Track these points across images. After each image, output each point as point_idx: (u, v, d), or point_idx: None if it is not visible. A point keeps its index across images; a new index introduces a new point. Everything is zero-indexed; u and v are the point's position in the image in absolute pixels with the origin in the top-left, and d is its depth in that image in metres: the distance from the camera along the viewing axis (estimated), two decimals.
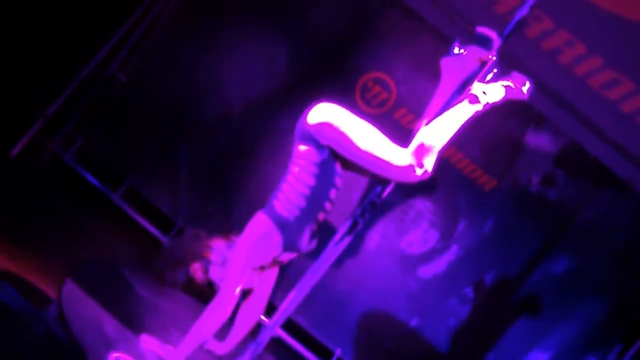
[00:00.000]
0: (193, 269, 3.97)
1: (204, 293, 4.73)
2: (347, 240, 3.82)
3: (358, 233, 3.90)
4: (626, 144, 5.53)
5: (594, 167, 5.66)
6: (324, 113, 3.82)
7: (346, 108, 3.88)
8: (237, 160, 5.96)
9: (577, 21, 5.30)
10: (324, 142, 3.79)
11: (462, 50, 3.76)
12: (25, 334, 3.60)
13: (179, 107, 6.01)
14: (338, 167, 3.87)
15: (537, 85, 4.15)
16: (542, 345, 5.73)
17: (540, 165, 5.72)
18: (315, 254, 3.97)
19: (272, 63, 5.92)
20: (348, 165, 3.87)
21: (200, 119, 5.99)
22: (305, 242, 3.94)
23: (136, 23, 6.10)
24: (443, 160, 3.76)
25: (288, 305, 3.80)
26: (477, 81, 3.77)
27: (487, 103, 3.82)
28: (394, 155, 3.73)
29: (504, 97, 3.87)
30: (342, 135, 3.76)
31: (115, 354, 3.60)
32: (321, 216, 3.92)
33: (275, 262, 4.05)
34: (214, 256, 3.98)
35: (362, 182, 5.64)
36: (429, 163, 3.73)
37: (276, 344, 5.65)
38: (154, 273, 4.10)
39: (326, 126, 3.77)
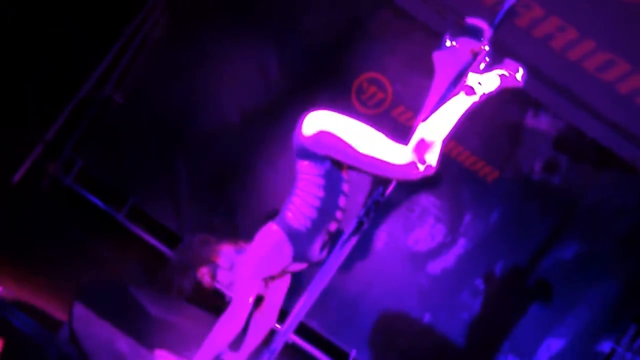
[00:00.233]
0: (201, 274, 3.98)
1: (210, 300, 4.74)
2: (354, 240, 3.81)
3: (365, 234, 3.89)
4: (626, 125, 5.53)
5: (595, 150, 5.66)
6: (317, 122, 3.79)
7: (343, 111, 3.86)
8: (237, 170, 5.96)
9: (567, 6, 5.30)
10: (322, 153, 3.78)
11: (453, 43, 3.74)
12: (38, 358, 3.60)
13: (176, 123, 6.02)
14: (344, 174, 3.86)
15: (533, 73, 4.15)
16: (557, 331, 5.72)
17: (541, 152, 5.72)
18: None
19: (266, 71, 5.93)
20: (351, 169, 3.86)
21: (198, 133, 6.00)
22: (316, 252, 3.93)
23: (127, 42, 6.11)
24: (443, 154, 3.74)
25: (299, 310, 3.79)
26: (471, 72, 3.75)
27: (483, 93, 3.81)
28: (394, 154, 3.70)
29: (499, 86, 3.86)
30: (339, 142, 3.73)
31: None
32: (333, 226, 3.91)
33: (284, 272, 4.04)
34: (222, 260, 3.98)
35: (366, 182, 5.64)
36: (431, 158, 3.71)
37: (292, 349, 5.65)
38: (161, 280, 4.09)
39: (322, 136, 3.74)
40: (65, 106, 6.04)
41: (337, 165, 3.82)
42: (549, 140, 5.72)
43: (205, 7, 6.04)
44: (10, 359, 3.41)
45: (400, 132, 3.85)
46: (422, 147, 3.67)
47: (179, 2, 6.05)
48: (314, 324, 5.78)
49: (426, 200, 5.80)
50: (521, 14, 5.34)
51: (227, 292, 3.99)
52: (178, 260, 4.06)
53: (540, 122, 5.70)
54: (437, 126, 3.71)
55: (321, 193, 3.82)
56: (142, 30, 6.09)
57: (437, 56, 3.80)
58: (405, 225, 5.81)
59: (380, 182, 3.86)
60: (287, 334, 3.84)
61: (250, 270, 3.86)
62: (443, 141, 3.74)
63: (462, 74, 3.73)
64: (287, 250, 3.86)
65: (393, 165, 3.69)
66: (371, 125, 3.82)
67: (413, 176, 3.72)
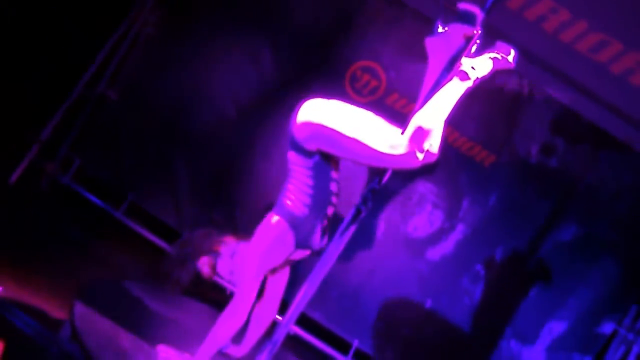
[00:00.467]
0: (201, 264, 3.98)
1: (210, 294, 4.74)
2: (353, 229, 3.80)
3: (363, 222, 3.88)
4: (621, 105, 5.52)
5: (591, 131, 5.66)
6: (312, 113, 3.77)
7: (337, 99, 3.85)
8: (235, 163, 5.96)
9: None
10: (313, 147, 3.77)
11: (445, 29, 3.73)
12: (40, 358, 3.61)
13: (172, 118, 6.01)
14: (333, 163, 3.86)
15: (526, 56, 4.13)
16: (558, 314, 5.72)
17: (537, 135, 5.72)
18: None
19: (260, 63, 5.92)
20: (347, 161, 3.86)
21: (194, 127, 5.99)
22: (317, 238, 3.94)
23: (120, 38, 6.10)
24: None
25: (300, 301, 3.79)
26: (465, 57, 3.74)
27: (477, 78, 3.80)
28: (393, 145, 3.65)
29: (492, 69, 3.85)
30: (334, 135, 3.70)
31: None
32: (330, 210, 3.92)
33: (287, 261, 4.05)
34: (223, 249, 3.99)
35: (363, 170, 5.64)
36: (430, 145, 3.69)
37: (294, 341, 5.66)
38: (160, 273, 4.10)
39: (315, 129, 3.73)
40: (60, 105, 6.02)
41: (326, 158, 3.82)
42: (544, 123, 5.71)
43: (197, 1, 6.03)
44: (12, 359, 3.41)
45: (396, 119, 3.84)
46: (420, 135, 3.63)
47: None
48: (315, 315, 5.78)
49: (424, 187, 5.80)
50: None
51: (229, 286, 3.99)
52: (177, 252, 4.06)
53: (536, 106, 5.70)
54: (433, 113, 3.68)
55: (311, 182, 3.83)
56: (134, 25, 6.08)
57: (429, 42, 3.79)
58: (403, 212, 5.81)
59: (377, 171, 3.86)
60: (289, 325, 3.84)
61: (255, 264, 3.87)
62: (440, 127, 3.73)
63: (455, 60, 3.71)
64: (290, 238, 3.87)
65: (391, 156, 3.66)
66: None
67: (413, 165, 3.69)
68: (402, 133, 3.66)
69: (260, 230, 3.91)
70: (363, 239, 5.75)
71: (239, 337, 4.14)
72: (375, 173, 3.80)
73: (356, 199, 3.77)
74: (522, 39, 5.08)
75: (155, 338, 4.03)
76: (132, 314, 4.33)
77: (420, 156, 3.64)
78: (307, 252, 4.01)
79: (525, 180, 5.74)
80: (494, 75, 3.91)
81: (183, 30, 6.02)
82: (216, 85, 5.98)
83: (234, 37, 5.98)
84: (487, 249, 5.77)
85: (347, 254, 5.56)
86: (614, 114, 5.54)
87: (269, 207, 3.99)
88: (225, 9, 5.98)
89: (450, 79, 3.75)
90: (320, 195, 3.85)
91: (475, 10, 3.71)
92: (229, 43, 5.99)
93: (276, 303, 4.24)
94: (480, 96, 5.09)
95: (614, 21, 5.19)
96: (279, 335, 3.78)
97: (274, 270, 4.10)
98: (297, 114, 3.82)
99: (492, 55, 3.86)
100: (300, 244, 3.91)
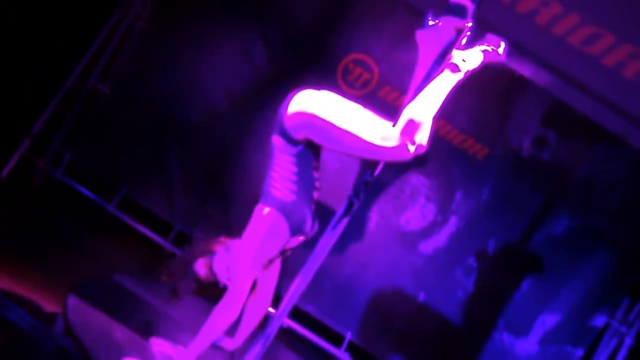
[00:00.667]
0: (197, 266, 3.99)
1: (210, 293, 4.73)
2: (345, 222, 3.81)
3: (356, 215, 3.89)
4: (613, 98, 5.53)
5: (583, 124, 5.67)
6: (305, 104, 3.77)
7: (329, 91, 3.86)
8: (228, 156, 5.96)
9: None
10: (301, 137, 3.78)
11: (436, 21, 3.73)
12: (35, 352, 3.60)
13: (164, 110, 6.00)
14: (315, 152, 3.88)
15: (518, 49, 4.13)
16: (551, 307, 5.74)
17: (529, 128, 5.73)
18: (314, 238, 3.98)
19: (252, 56, 5.91)
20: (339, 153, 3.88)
21: (186, 120, 5.98)
22: (309, 223, 3.95)
23: (111, 32, 6.08)
24: (432, 133, 3.73)
25: (293, 294, 3.79)
26: (455, 49, 3.74)
27: (468, 70, 3.80)
28: (384, 137, 3.65)
29: (482, 62, 3.86)
30: (325, 127, 3.70)
31: (127, 359, 3.61)
32: (315, 194, 3.94)
33: (282, 251, 4.05)
34: (218, 247, 4.00)
35: (354, 162, 5.64)
36: (421, 138, 3.69)
37: (287, 334, 5.67)
38: (170, 291, 4.14)
39: (309, 121, 3.73)
40: (52, 99, 6.01)
41: (311, 147, 3.83)
42: (537, 116, 5.72)
43: None
44: (7, 354, 3.41)
45: (388, 111, 3.84)
46: (411, 128, 3.63)
47: None
48: (308, 308, 5.79)
49: (416, 180, 5.81)
50: None
51: (222, 280, 4.00)
52: (179, 263, 4.09)
53: (528, 98, 5.70)
54: (424, 106, 3.68)
55: (295, 168, 3.85)
56: (126, 19, 6.06)
57: (420, 35, 3.78)
58: (396, 205, 5.82)
59: (369, 163, 3.86)
60: (282, 318, 3.84)
61: (251, 257, 3.87)
62: (433, 120, 3.74)
63: (446, 52, 3.71)
64: (284, 226, 3.87)
65: (383, 148, 3.66)
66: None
67: (404, 157, 3.69)
68: (394, 125, 3.66)
69: (253, 224, 3.91)
70: (356, 231, 5.76)
71: (232, 330, 4.14)
72: (367, 165, 3.81)
73: (348, 191, 3.77)
74: (514, 32, 5.10)
75: (148, 331, 4.03)
76: (125, 307, 4.33)
77: (412, 148, 3.64)
78: (301, 239, 4.02)
79: (518, 173, 5.75)
80: (486, 67, 3.91)
81: (175, 24, 6.01)
82: (209, 78, 5.97)
83: (226, 30, 5.97)
84: (480, 242, 5.79)
85: (340, 247, 5.57)
86: (606, 106, 5.55)
87: (255, 198, 3.99)
88: (218, 2, 5.98)
89: (441, 72, 3.75)
90: (304, 181, 3.87)
91: (467, 2, 3.71)
92: (221, 36, 5.98)
93: (269, 296, 4.25)
94: (472, 89, 5.10)
95: (606, 14, 5.20)
96: (272, 328, 3.79)
97: (267, 263, 4.10)
98: (289, 102, 3.82)
99: (483, 47, 3.86)
100: (294, 230, 3.91)
